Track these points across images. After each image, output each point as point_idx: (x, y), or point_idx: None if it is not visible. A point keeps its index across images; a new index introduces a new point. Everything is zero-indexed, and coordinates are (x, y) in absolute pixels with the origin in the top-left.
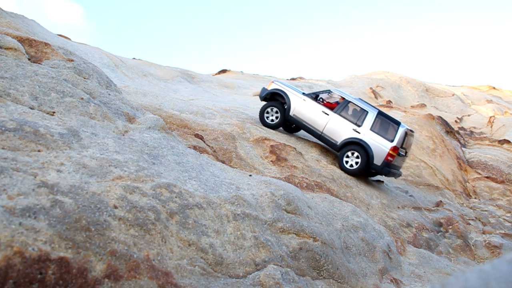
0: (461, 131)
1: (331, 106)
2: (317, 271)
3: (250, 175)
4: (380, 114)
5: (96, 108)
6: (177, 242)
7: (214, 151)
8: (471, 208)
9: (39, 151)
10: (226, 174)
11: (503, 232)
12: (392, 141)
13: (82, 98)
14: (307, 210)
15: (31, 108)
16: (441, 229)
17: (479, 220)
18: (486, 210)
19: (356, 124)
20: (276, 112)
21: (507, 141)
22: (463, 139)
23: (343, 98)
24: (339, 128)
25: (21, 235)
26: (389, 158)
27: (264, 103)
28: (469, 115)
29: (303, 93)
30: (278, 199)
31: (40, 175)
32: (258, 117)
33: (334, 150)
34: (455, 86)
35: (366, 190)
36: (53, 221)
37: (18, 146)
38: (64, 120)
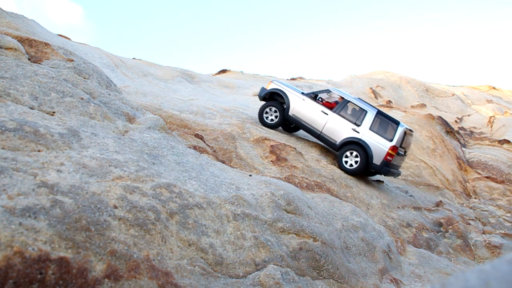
0: (461, 131)
1: (330, 106)
2: (317, 271)
3: (250, 175)
4: (379, 113)
5: (96, 108)
6: (177, 242)
7: (214, 151)
8: (471, 208)
9: (39, 151)
10: (226, 174)
11: (503, 232)
12: (391, 140)
13: (82, 98)
14: (307, 210)
15: (31, 108)
16: (441, 229)
17: (479, 220)
18: (486, 210)
19: (355, 123)
20: (275, 112)
21: (507, 141)
22: (463, 139)
23: (342, 98)
24: (338, 128)
25: (21, 235)
26: (388, 157)
27: (263, 103)
28: (469, 115)
29: (302, 93)
30: (278, 199)
31: (40, 175)
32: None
33: (333, 150)
34: (455, 86)
35: (366, 190)
36: (53, 221)
37: (18, 146)
38: (64, 120)
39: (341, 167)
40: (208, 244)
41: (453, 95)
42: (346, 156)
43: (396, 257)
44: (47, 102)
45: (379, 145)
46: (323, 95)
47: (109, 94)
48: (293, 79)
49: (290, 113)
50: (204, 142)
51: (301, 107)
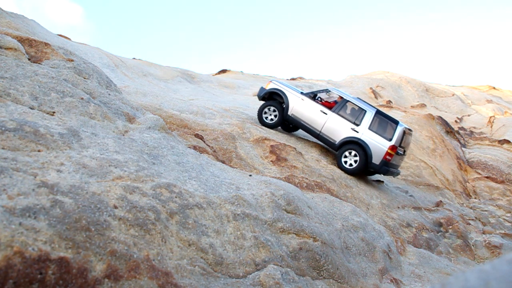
0: (461, 131)
1: (330, 106)
2: (317, 271)
3: (250, 175)
4: (378, 113)
5: (96, 108)
6: (177, 242)
7: (214, 151)
8: (471, 208)
9: (39, 151)
10: (226, 174)
11: (503, 232)
12: (390, 140)
13: (82, 98)
14: (307, 210)
15: (31, 108)
16: (441, 229)
17: (479, 220)
18: (486, 210)
19: (354, 123)
20: (274, 112)
21: (507, 141)
22: (463, 139)
23: (341, 97)
24: (337, 127)
25: (21, 235)
26: (387, 157)
27: (262, 102)
28: (469, 115)
29: (301, 93)
30: (278, 199)
31: (40, 175)
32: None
33: (333, 150)
34: (455, 86)
35: (366, 190)
36: (53, 221)
37: (18, 146)
38: (64, 120)
39: (341, 166)
40: (208, 244)
41: (453, 95)
42: (345, 156)
43: (396, 257)
44: (47, 102)
45: (378, 145)
46: (322, 95)
47: (109, 94)
48: (293, 79)
49: (289, 112)
50: (204, 142)
51: (300, 107)
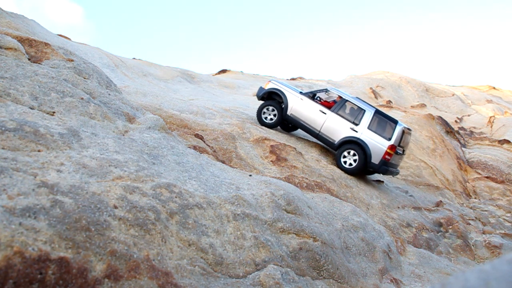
0: (461, 131)
1: (329, 105)
2: (317, 271)
3: (250, 175)
4: (377, 112)
5: (96, 108)
6: (177, 242)
7: (214, 151)
8: (471, 208)
9: (39, 151)
10: (226, 174)
11: (503, 232)
12: (389, 139)
13: (82, 98)
14: (307, 210)
15: (31, 108)
16: (441, 229)
17: (479, 220)
18: (486, 210)
19: (353, 122)
20: (273, 111)
21: (507, 141)
22: (463, 139)
23: (340, 97)
24: (336, 127)
25: (21, 235)
26: (386, 156)
27: (262, 102)
28: (469, 115)
29: (301, 92)
30: (278, 199)
31: (40, 175)
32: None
33: (332, 149)
34: (455, 86)
35: (366, 190)
36: (53, 221)
37: (18, 146)
38: (64, 120)
39: (340, 166)
40: (208, 244)
41: (453, 95)
42: (345, 156)
43: (396, 257)
44: (47, 102)
45: (378, 144)
46: (322, 95)
47: (109, 94)
48: (293, 79)
49: (289, 112)
50: (204, 142)
51: (299, 107)
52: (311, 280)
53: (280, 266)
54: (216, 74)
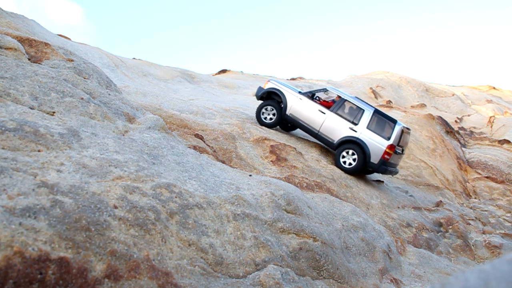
0: (461, 131)
1: (328, 105)
2: (317, 271)
3: (250, 175)
4: (377, 112)
5: (96, 108)
6: (177, 242)
7: (214, 151)
8: (471, 208)
9: (39, 151)
10: (226, 174)
11: (503, 232)
12: (388, 139)
13: (82, 98)
14: (307, 210)
15: (31, 108)
16: (441, 229)
17: (479, 220)
18: (486, 210)
19: (352, 122)
20: (272, 111)
21: (507, 141)
22: (463, 139)
23: (340, 97)
24: (335, 127)
25: (21, 235)
26: (386, 156)
27: (261, 102)
28: (469, 115)
29: (300, 92)
30: (278, 199)
31: (40, 175)
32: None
33: (331, 149)
34: (455, 86)
35: (366, 190)
36: (53, 221)
37: (18, 146)
38: (64, 120)
39: (339, 166)
40: (208, 244)
41: (453, 95)
42: (344, 156)
43: (396, 257)
44: (47, 102)
45: (377, 144)
46: (321, 94)
47: (109, 94)
48: (293, 79)
49: (288, 112)
50: (204, 142)
51: (298, 106)
52: (311, 280)
53: (280, 266)
54: (216, 74)
